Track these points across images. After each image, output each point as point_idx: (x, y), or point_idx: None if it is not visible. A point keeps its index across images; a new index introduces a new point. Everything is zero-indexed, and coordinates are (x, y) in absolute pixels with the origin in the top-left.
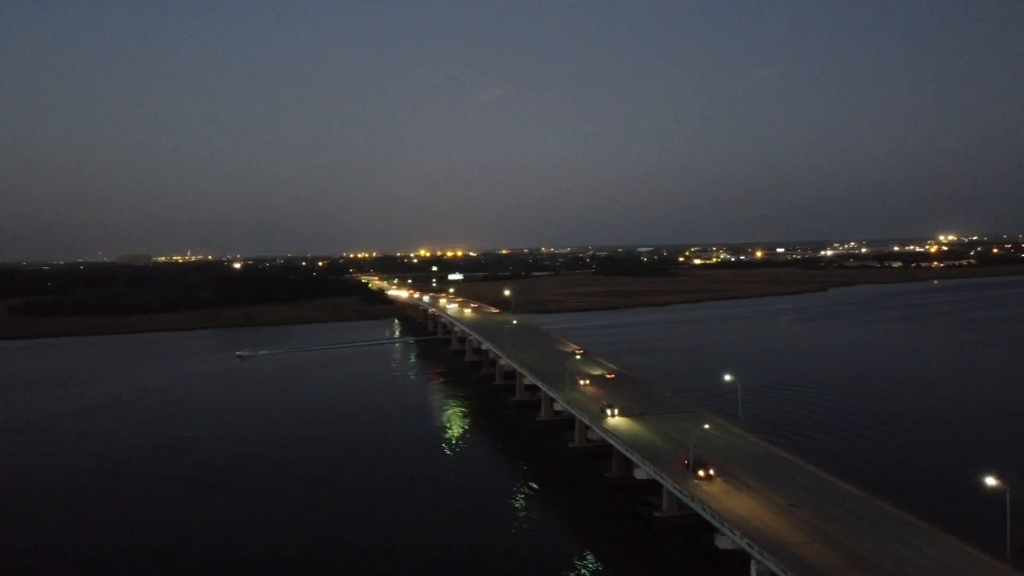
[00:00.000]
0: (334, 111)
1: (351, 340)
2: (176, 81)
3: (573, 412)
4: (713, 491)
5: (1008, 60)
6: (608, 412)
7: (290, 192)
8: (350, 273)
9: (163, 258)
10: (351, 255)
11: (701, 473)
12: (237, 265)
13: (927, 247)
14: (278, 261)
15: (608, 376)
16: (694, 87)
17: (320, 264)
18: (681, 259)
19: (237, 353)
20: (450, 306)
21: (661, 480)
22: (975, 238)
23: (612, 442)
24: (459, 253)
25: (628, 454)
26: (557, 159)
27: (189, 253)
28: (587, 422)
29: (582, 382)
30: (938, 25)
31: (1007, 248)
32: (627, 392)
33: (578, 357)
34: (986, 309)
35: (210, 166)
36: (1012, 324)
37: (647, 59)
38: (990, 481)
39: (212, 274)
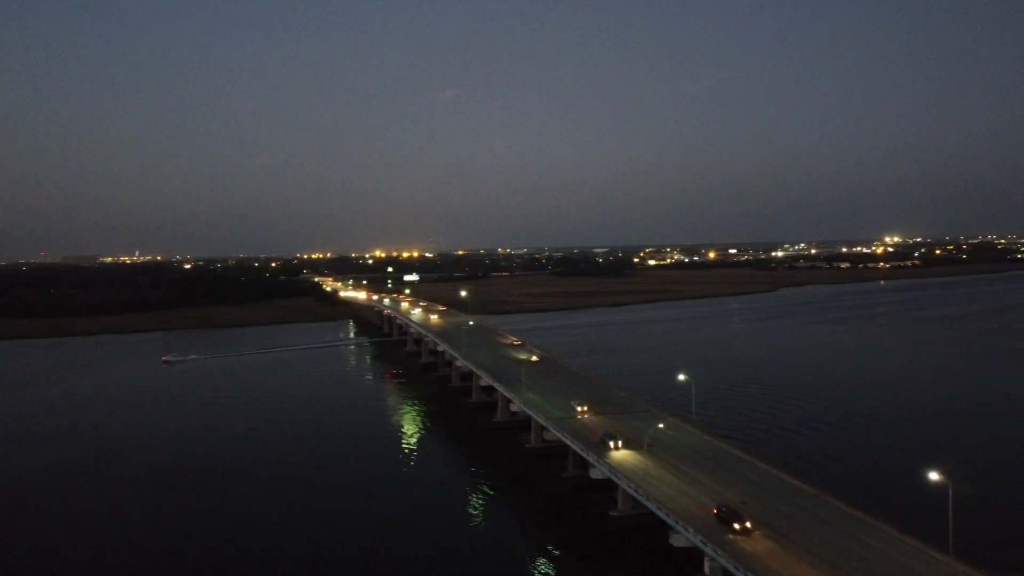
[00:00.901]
0: (285, 110)
1: (303, 342)
2: (121, 79)
3: (530, 413)
4: (670, 493)
5: (934, 64)
6: (612, 444)
7: (241, 192)
8: (304, 274)
9: (110, 259)
10: (305, 256)
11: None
12: (188, 266)
13: (874, 248)
14: (230, 262)
15: (533, 360)
16: (650, 90)
17: (273, 265)
18: (636, 260)
19: (164, 358)
20: (414, 310)
21: (616, 479)
22: (919, 240)
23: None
24: (415, 254)
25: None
26: (513, 160)
27: (137, 254)
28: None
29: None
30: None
31: (949, 249)
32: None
33: (515, 345)
34: (928, 309)
35: (157, 165)
36: (952, 323)
37: (604, 61)
38: (934, 476)
39: (162, 275)
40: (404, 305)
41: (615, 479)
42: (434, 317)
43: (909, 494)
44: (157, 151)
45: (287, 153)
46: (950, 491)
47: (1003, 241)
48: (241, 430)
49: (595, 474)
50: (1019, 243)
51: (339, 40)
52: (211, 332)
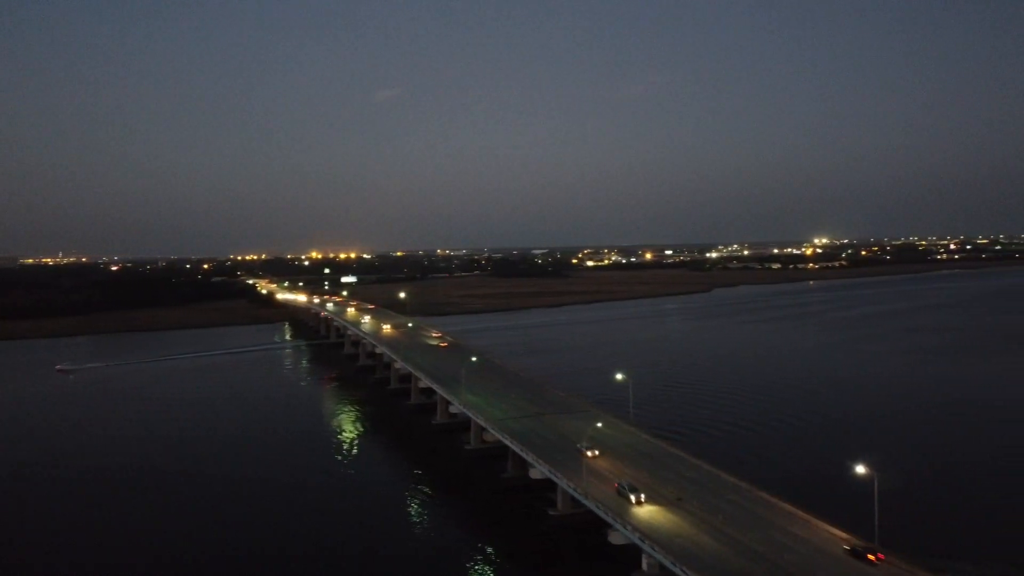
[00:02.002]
0: (218, 106)
1: (236, 345)
2: (41, 75)
3: (469, 414)
4: (608, 491)
5: (857, 68)
6: (633, 498)
7: (172, 192)
8: (238, 276)
9: (31, 260)
10: (239, 257)
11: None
12: (115, 268)
13: (803, 249)
14: (160, 263)
15: (442, 345)
16: (591, 92)
17: (205, 267)
18: (574, 261)
19: (58, 367)
20: (360, 316)
21: (556, 479)
22: (846, 241)
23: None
24: (352, 255)
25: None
26: (451, 161)
27: (61, 255)
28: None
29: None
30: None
31: (874, 250)
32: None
33: (436, 336)
34: (854, 308)
35: (81, 163)
36: (876, 321)
37: (545, 63)
38: (860, 469)
39: (87, 277)
40: (351, 311)
41: (554, 478)
42: (366, 319)
43: (838, 487)
44: (81, 149)
45: (219, 152)
46: (875, 484)
47: (924, 243)
48: (137, 450)
49: (534, 474)
50: (939, 244)
51: (274, 38)
52: (139, 336)
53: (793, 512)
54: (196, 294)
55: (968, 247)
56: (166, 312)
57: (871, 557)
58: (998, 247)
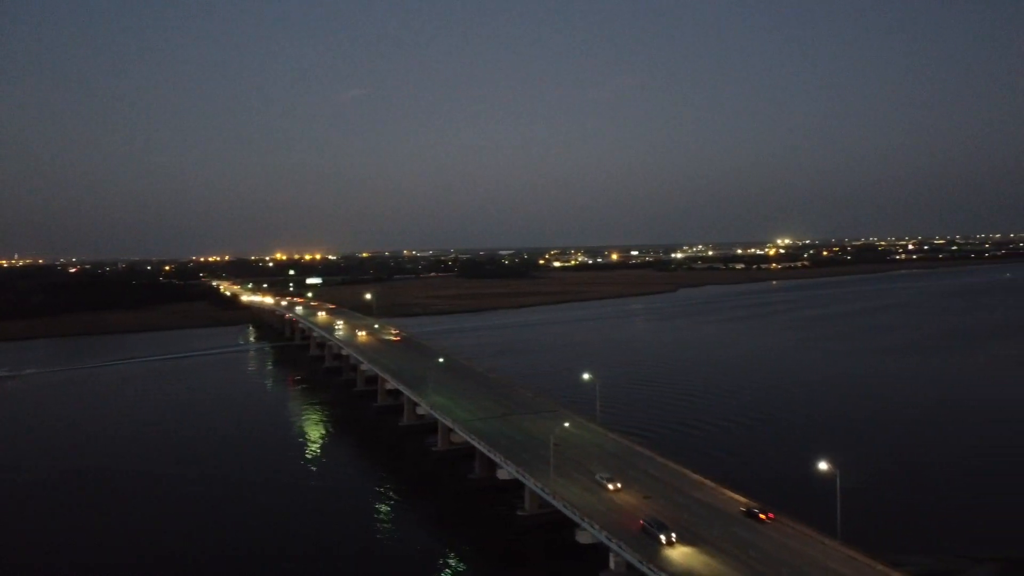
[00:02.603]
0: (180, 106)
1: (198, 348)
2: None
3: (436, 416)
4: (576, 490)
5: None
6: (663, 538)
7: (132, 192)
8: (201, 278)
9: None
10: (201, 259)
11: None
12: (73, 270)
13: (766, 250)
14: (119, 265)
15: (394, 339)
16: (557, 94)
17: (167, 268)
18: (542, 262)
19: None
20: (333, 321)
21: (523, 479)
22: (808, 241)
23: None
24: (317, 256)
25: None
26: (417, 161)
27: (16, 257)
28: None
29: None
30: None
31: (835, 251)
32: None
33: (391, 332)
34: (816, 307)
35: (37, 162)
36: (837, 320)
37: (511, 65)
38: (823, 466)
39: (44, 279)
40: (322, 315)
41: (522, 479)
42: (323, 315)
43: (802, 485)
44: (38, 147)
45: (182, 152)
46: (837, 481)
47: (883, 243)
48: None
49: (502, 475)
50: (898, 245)
51: (240, 37)
52: (99, 339)
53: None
54: (157, 296)
55: (926, 247)
56: (126, 314)
57: (762, 516)
58: (954, 247)
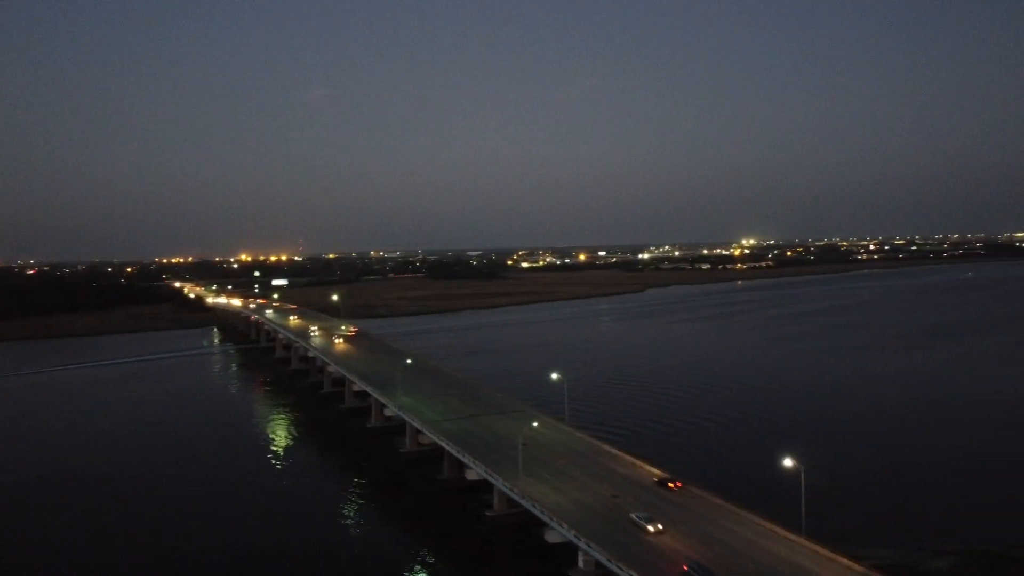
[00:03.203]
0: (141, 105)
1: (161, 351)
2: None
3: (404, 417)
4: (544, 489)
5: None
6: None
7: (92, 192)
8: (164, 279)
9: None
10: (165, 260)
11: None
12: (30, 272)
13: (732, 250)
14: (79, 267)
15: (350, 334)
16: (522, 95)
17: (129, 270)
18: (510, 262)
19: None
20: (308, 325)
21: (492, 479)
22: (772, 242)
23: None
24: (283, 258)
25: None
26: (383, 162)
27: None
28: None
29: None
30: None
31: (798, 251)
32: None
33: (352, 329)
34: (780, 307)
35: None
36: (802, 319)
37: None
38: (788, 463)
39: (1, 281)
40: (294, 319)
41: (491, 479)
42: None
43: (768, 481)
44: None
45: (145, 151)
46: (802, 477)
47: (845, 243)
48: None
49: (471, 475)
50: (859, 245)
51: (203, 34)
52: (57, 342)
53: (723, 504)
54: (119, 298)
55: (886, 247)
56: (88, 317)
57: (671, 485)
58: (914, 247)
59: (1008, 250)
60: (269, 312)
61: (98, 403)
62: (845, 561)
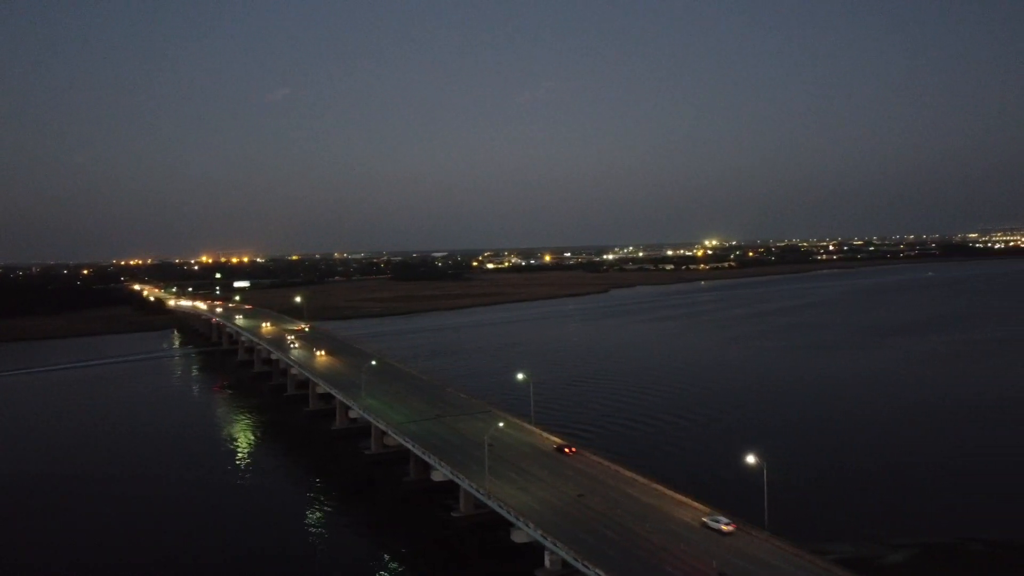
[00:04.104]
0: (99, 104)
1: (118, 354)
2: None
3: (369, 419)
4: (510, 489)
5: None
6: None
7: (48, 193)
8: (123, 281)
9: None
10: (123, 262)
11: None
12: None
13: (695, 251)
14: (33, 269)
15: (299, 329)
16: (486, 97)
17: (85, 272)
18: (475, 263)
19: None
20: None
21: (458, 480)
22: (734, 243)
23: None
24: (245, 259)
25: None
26: (347, 162)
27: None
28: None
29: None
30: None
31: (760, 252)
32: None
33: (306, 328)
34: (742, 307)
35: None
36: (763, 319)
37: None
38: (751, 459)
39: None
40: (267, 326)
41: (456, 480)
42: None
43: (730, 476)
44: None
45: (103, 154)
46: (764, 472)
47: (805, 244)
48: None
49: (436, 476)
50: (819, 246)
51: (164, 33)
52: (12, 346)
53: (688, 502)
54: (76, 301)
55: (845, 248)
56: (43, 320)
57: (567, 450)
58: (871, 248)
59: (962, 250)
60: (240, 319)
61: (53, 410)
62: (808, 557)
